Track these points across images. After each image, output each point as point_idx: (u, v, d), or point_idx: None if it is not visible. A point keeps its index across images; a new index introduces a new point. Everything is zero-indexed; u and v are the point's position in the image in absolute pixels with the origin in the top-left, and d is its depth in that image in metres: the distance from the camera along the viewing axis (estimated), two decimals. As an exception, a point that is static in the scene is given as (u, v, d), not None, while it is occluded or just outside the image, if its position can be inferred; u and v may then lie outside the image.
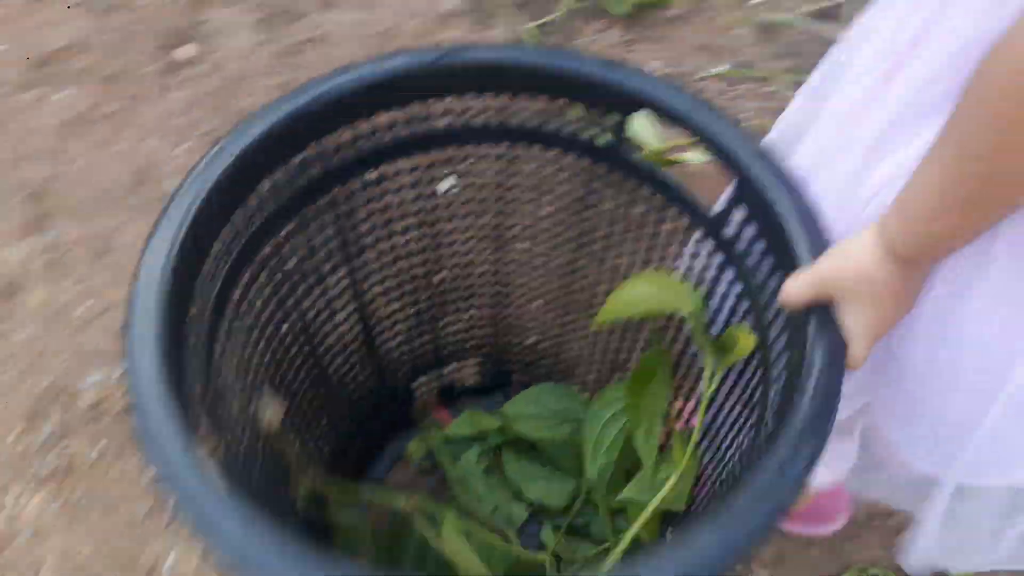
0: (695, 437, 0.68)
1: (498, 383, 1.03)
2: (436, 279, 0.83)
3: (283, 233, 0.64)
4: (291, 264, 0.67)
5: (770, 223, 0.56)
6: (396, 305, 0.84)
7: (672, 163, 1.17)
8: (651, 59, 1.32)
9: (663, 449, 0.74)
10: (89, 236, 1.17)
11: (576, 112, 0.65)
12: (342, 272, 0.74)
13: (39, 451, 1.01)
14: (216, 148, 0.55)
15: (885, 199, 0.49)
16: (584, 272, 0.82)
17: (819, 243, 0.53)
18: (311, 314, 0.74)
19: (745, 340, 0.58)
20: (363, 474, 0.98)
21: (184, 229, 0.51)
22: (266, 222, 0.61)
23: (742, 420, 0.63)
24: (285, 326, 0.70)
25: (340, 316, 0.78)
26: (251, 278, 0.62)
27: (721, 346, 0.62)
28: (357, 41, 1.37)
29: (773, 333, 0.57)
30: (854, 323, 0.49)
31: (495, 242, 0.81)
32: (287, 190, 0.62)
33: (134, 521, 0.97)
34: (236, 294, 0.60)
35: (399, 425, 1.00)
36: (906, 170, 0.45)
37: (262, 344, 0.66)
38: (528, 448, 0.91)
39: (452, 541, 0.76)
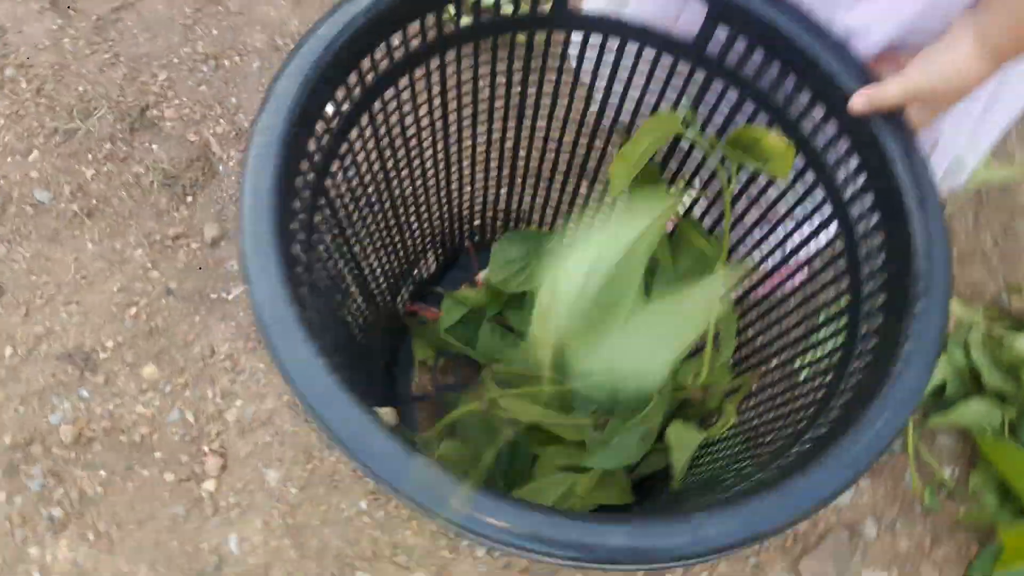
0: (726, 241, 0.76)
1: (452, 259, 1.08)
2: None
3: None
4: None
5: (763, 32, 0.62)
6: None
7: None
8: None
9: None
10: (-28, 281, 1.06)
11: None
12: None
13: (38, 504, 0.95)
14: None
15: None
16: (525, 136, 0.87)
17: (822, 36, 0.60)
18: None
19: (775, 143, 0.65)
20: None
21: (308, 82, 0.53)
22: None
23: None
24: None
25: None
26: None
27: (735, 143, 0.70)
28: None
29: (820, 139, 0.64)
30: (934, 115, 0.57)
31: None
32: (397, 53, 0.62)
33: (177, 523, 0.94)
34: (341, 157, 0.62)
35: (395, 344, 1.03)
36: None
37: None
38: (521, 296, 0.96)
39: (525, 410, 0.82)
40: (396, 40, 0.60)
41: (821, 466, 0.50)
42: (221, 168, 1.16)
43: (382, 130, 0.68)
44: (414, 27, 0.61)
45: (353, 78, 0.58)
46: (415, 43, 0.63)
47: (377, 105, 0.64)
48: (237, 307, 1.08)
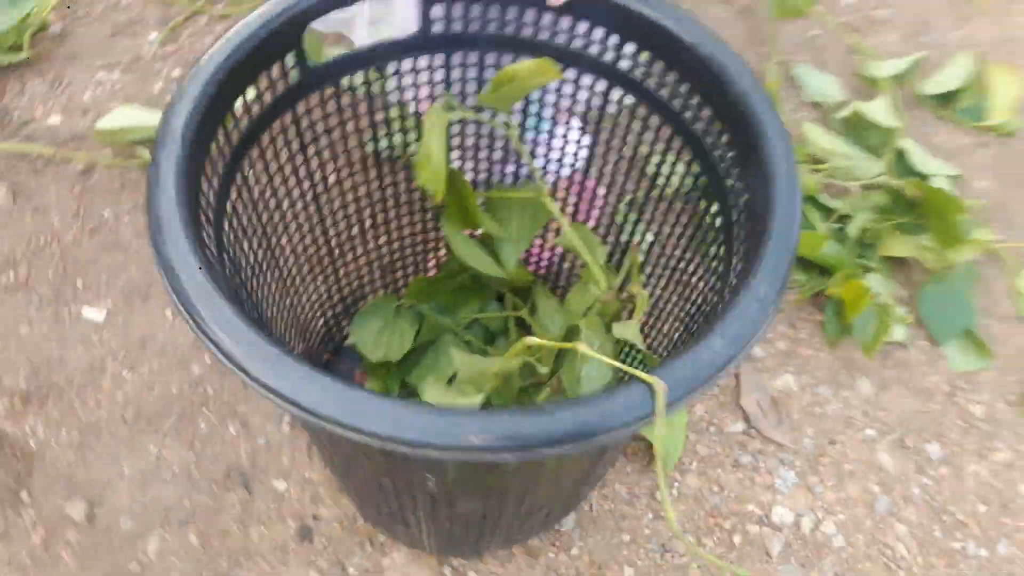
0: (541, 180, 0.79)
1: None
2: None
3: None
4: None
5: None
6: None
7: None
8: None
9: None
10: None
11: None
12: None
13: None
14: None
15: None
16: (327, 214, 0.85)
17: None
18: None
19: (527, 66, 0.67)
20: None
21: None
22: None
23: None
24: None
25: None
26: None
27: (496, 91, 0.71)
28: None
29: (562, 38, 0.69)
30: None
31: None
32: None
33: None
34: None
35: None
36: None
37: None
38: (409, 356, 0.96)
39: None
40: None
41: (757, 278, 0.54)
42: (32, 441, 1.03)
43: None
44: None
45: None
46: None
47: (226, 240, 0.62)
48: (160, 560, 0.97)
